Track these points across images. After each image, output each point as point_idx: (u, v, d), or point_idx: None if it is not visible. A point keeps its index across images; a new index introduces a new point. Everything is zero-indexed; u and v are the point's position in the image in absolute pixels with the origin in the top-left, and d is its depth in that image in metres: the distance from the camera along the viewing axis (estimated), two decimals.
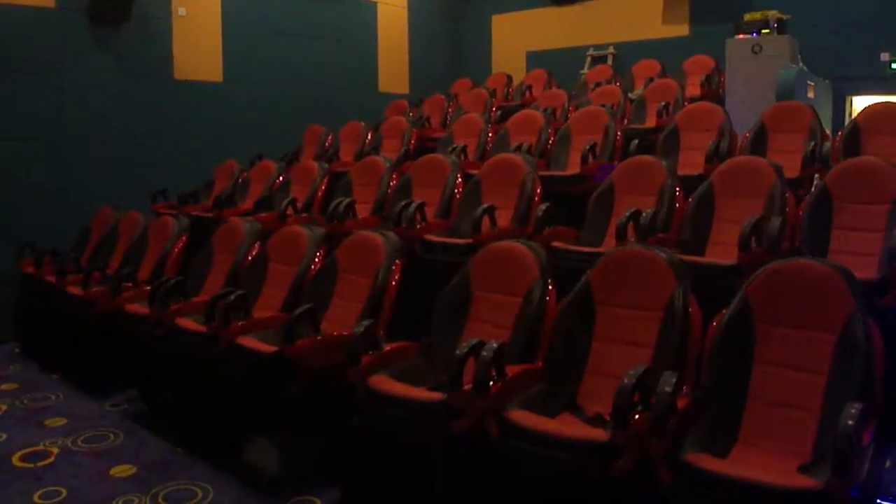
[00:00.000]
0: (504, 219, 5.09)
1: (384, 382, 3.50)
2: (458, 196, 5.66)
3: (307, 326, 4.07)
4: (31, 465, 4.34)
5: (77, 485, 4.08)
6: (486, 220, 4.86)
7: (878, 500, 3.07)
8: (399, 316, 4.25)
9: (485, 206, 4.92)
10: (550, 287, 3.77)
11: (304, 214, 6.27)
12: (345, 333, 3.98)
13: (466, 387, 3.15)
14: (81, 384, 5.63)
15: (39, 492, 4.00)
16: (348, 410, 3.58)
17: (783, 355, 3.11)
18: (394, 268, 4.35)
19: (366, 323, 3.74)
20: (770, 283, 3.21)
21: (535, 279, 3.77)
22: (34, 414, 5.16)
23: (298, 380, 3.95)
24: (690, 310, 3.34)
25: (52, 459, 4.42)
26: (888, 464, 3.48)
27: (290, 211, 6.14)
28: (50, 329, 6.24)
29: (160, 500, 3.91)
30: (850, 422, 2.45)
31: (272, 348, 3.99)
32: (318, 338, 4.04)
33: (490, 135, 7.25)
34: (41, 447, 4.59)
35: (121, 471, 4.26)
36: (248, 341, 4.16)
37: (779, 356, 3.12)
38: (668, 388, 2.79)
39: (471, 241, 4.69)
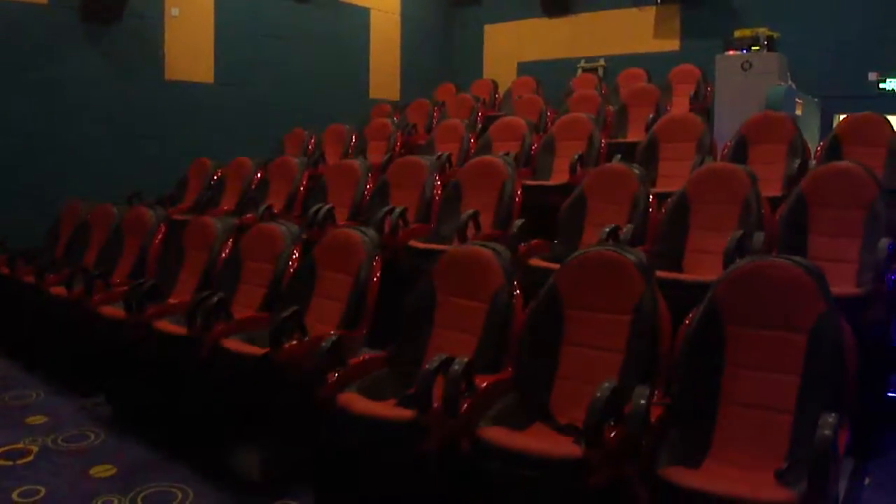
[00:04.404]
0: (484, 222, 5.08)
1: (353, 401, 3.39)
2: (437, 199, 5.64)
3: (293, 328, 4.03)
4: (11, 464, 4.31)
5: (56, 484, 4.05)
6: (471, 225, 4.86)
7: None
8: (381, 317, 4.24)
9: (470, 212, 4.93)
10: (517, 292, 3.71)
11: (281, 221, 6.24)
12: (331, 333, 3.95)
13: (436, 404, 3.10)
14: (63, 383, 5.59)
15: (18, 490, 3.97)
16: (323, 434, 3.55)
17: (754, 357, 3.07)
18: (374, 265, 4.33)
19: (333, 338, 3.63)
20: (737, 285, 3.16)
21: (500, 284, 3.69)
22: (14, 412, 5.12)
23: (287, 382, 3.90)
24: (659, 311, 3.28)
25: (31, 458, 4.38)
26: (867, 481, 3.50)
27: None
28: (30, 328, 6.19)
29: (139, 501, 3.87)
30: (827, 431, 2.44)
31: (259, 351, 3.94)
32: (306, 340, 4.00)
33: (472, 141, 7.26)
34: (21, 445, 4.55)
35: (100, 471, 4.23)
36: (233, 344, 4.12)
37: (750, 358, 3.08)
38: (642, 401, 2.75)
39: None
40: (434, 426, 3.09)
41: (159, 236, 5.95)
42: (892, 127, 5.64)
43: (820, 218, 4.38)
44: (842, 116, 8.56)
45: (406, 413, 3.23)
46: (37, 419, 4.99)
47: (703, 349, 3.14)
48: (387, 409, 3.37)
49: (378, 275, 4.31)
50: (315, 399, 3.54)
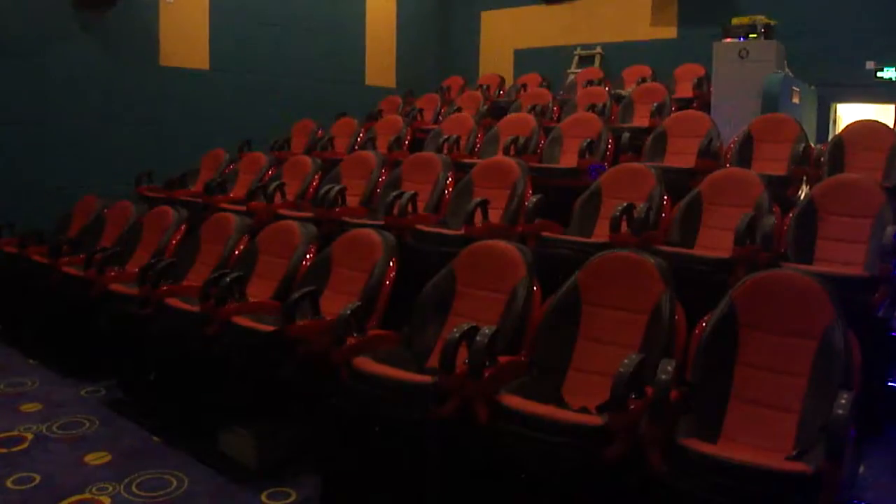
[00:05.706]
0: (494, 217, 5.10)
1: (369, 364, 3.48)
2: (448, 193, 5.71)
3: (306, 310, 4.05)
4: (5, 451, 4.29)
5: (51, 471, 4.03)
6: (478, 214, 4.88)
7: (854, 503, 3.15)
8: (388, 307, 4.24)
9: (478, 199, 4.95)
10: (536, 288, 3.80)
11: (291, 201, 6.24)
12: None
13: (459, 369, 3.15)
14: (59, 370, 5.57)
15: (13, 477, 3.96)
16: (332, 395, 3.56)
17: (765, 359, 3.20)
18: (390, 265, 4.35)
19: (353, 305, 3.73)
20: (755, 290, 3.32)
21: (521, 278, 3.80)
22: (10, 399, 5.09)
23: (295, 360, 3.91)
24: (676, 313, 3.42)
25: (26, 445, 4.37)
26: (862, 469, 3.52)
27: (277, 197, 6.09)
28: (30, 313, 6.16)
29: (134, 488, 3.87)
30: (841, 411, 2.56)
31: (270, 328, 3.98)
32: (319, 320, 4.02)
33: (479, 135, 7.28)
34: (16, 433, 4.53)
35: (95, 458, 4.22)
36: (244, 321, 4.15)
37: (761, 359, 3.21)
38: (664, 376, 2.83)
39: (462, 232, 4.72)
40: (455, 389, 3.13)
41: (178, 235, 5.92)
42: (892, 132, 5.83)
43: (829, 224, 4.58)
44: (839, 105, 8.61)
45: (425, 377, 3.32)
46: (32, 406, 4.97)
47: (718, 347, 3.27)
48: (404, 373, 3.44)
49: (392, 276, 4.32)
50: (330, 362, 3.60)
